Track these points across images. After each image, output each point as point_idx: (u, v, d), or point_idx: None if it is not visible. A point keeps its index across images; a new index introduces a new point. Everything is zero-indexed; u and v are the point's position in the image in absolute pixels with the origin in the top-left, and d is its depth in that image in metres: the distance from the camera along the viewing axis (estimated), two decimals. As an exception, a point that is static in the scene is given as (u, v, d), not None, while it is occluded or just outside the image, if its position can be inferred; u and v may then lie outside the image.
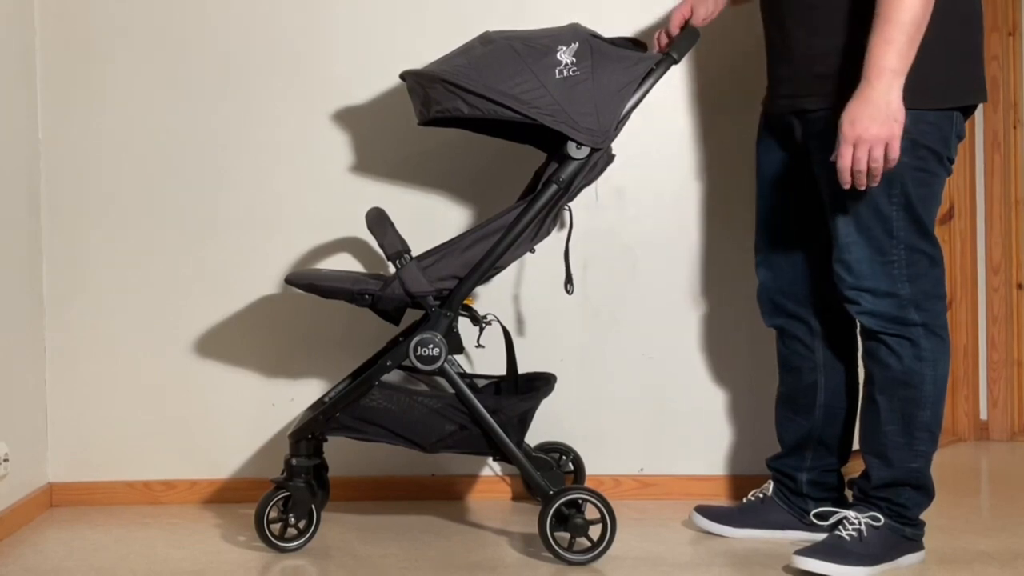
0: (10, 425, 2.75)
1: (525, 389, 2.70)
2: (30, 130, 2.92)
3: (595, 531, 2.47)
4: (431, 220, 2.93)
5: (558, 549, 2.46)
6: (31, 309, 2.91)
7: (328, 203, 2.97)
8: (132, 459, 2.99)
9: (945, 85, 2.32)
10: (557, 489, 2.48)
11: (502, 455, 2.52)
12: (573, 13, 2.67)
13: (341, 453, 2.83)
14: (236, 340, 2.99)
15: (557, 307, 2.95)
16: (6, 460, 2.70)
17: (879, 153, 2.21)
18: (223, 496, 2.99)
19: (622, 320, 3.02)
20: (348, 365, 2.77)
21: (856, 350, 2.56)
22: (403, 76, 2.55)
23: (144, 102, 2.97)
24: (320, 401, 2.66)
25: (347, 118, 2.98)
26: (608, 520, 2.46)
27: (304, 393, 2.95)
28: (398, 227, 2.49)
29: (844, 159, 2.24)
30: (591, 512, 2.47)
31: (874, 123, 2.20)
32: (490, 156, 2.92)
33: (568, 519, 2.46)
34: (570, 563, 2.45)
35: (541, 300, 2.98)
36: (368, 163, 2.99)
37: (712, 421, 3.02)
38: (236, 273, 2.99)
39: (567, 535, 2.47)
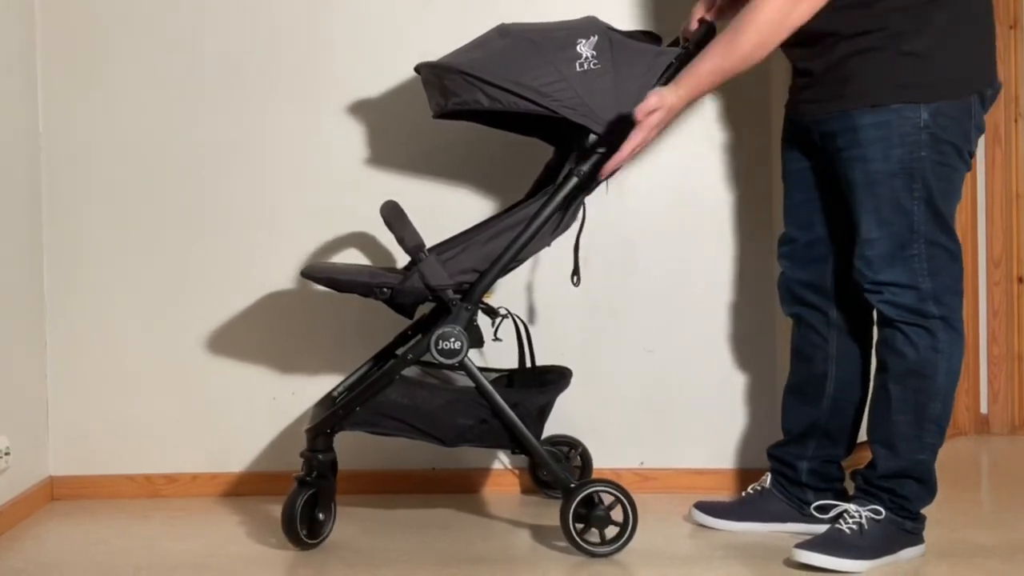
0: (11, 418, 2.76)
1: (539, 383, 2.69)
2: (31, 126, 2.92)
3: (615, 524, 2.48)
4: (439, 214, 2.92)
5: (581, 542, 2.45)
6: (32, 303, 2.91)
7: (330, 198, 2.97)
8: (133, 452, 3.00)
9: (960, 76, 2.35)
10: (579, 482, 2.48)
11: (522, 448, 2.51)
12: (585, 7, 2.66)
13: (345, 447, 2.82)
14: (236, 334, 2.99)
15: (557, 301, 2.94)
16: (7, 453, 2.70)
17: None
18: (224, 489, 2.99)
19: (622, 313, 3.01)
20: (349, 359, 2.77)
21: (870, 345, 2.56)
22: (418, 68, 2.53)
23: (146, 97, 2.97)
24: (328, 396, 2.64)
25: (351, 112, 2.98)
26: (630, 512, 2.46)
27: (305, 387, 2.95)
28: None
29: (634, 142, 2.34)
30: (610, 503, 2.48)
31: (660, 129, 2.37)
32: (498, 150, 2.91)
33: (589, 512, 2.46)
34: (594, 555, 2.45)
35: (541, 294, 2.98)
36: (373, 158, 2.98)
37: (712, 414, 3.02)
38: (235, 268, 2.98)
39: (584, 527, 2.47)
